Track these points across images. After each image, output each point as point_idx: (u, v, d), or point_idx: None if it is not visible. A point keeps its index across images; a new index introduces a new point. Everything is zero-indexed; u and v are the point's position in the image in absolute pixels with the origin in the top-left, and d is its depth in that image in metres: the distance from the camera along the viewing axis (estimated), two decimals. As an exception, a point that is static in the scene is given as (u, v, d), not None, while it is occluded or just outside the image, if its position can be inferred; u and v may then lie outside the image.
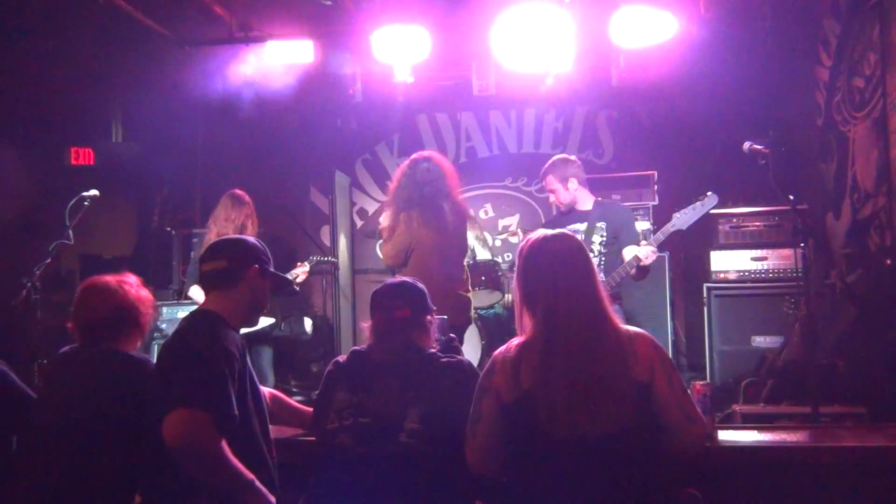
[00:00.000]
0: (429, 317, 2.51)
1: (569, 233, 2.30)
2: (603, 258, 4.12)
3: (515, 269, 2.24)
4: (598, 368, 2.04)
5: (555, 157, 4.36)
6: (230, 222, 4.78)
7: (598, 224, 4.16)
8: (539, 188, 7.08)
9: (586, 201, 4.26)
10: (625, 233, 4.15)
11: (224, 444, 2.04)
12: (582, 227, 4.18)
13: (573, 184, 4.21)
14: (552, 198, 4.33)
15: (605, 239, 4.15)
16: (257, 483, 2.11)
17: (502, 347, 2.19)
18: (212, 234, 4.72)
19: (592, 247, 4.12)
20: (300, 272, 5.09)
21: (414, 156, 4.34)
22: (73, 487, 2.36)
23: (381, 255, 4.56)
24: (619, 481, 2.03)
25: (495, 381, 2.13)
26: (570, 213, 4.28)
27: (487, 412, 2.14)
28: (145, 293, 2.68)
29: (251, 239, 2.48)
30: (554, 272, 2.14)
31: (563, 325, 2.08)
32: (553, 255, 2.16)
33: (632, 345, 2.10)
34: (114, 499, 2.40)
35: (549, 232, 2.26)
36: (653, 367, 2.07)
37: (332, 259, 6.26)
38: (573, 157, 4.37)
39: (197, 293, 4.73)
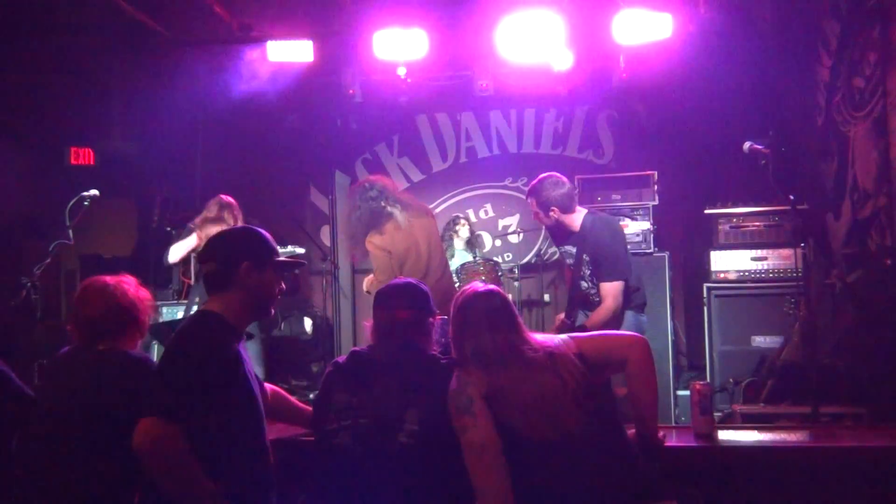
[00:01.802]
0: (431, 318, 2.51)
1: (496, 290, 2.46)
2: (595, 288, 3.90)
3: (450, 318, 2.44)
4: (537, 387, 2.23)
5: (543, 178, 3.96)
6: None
7: (584, 256, 3.92)
8: (539, 188, 7.08)
9: (574, 222, 3.95)
10: (599, 267, 3.84)
11: (188, 456, 2.01)
12: (574, 250, 3.99)
13: (554, 212, 3.90)
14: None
15: (591, 271, 3.91)
16: (220, 498, 2.07)
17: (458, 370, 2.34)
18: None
19: (584, 275, 3.94)
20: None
21: (351, 186, 4.54)
22: (74, 486, 2.36)
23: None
24: (594, 477, 2.13)
25: (468, 377, 2.28)
26: (565, 229, 4.02)
27: (475, 394, 2.22)
28: (144, 293, 2.68)
29: (241, 232, 2.42)
30: (480, 326, 2.34)
31: (495, 363, 2.29)
32: (479, 312, 2.37)
33: (557, 343, 2.35)
34: (113, 497, 2.40)
35: (480, 287, 2.45)
36: (574, 342, 2.37)
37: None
38: (563, 180, 3.95)
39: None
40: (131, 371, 2.47)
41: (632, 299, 3.93)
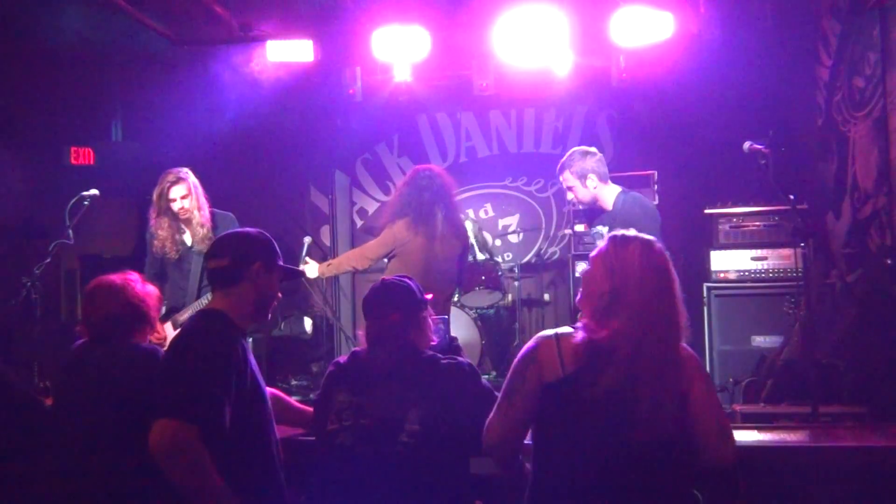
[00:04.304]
0: (422, 312, 2.48)
1: (656, 243, 2.19)
2: None
3: (603, 253, 2.17)
4: (651, 381, 2.04)
5: (573, 150, 3.94)
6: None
7: None
8: (539, 187, 7.08)
9: (609, 197, 3.87)
10: None
11: (205, 457, 2.02)
12: (605, 230, 3.92)
13: (592, 181, 3.82)
14: (570, 195, 3.92)
15: None
16: (233, 500, 2.07)
17: (549, 332, 2.12)
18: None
19: None
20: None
21: (417, 167, 4.39)
22: (100, 480, 2.38)
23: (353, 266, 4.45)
24: (646, 489, 2.04)
25: (540, 356, 2.09)
26: (597, 210, 3.95)
27: (530, 384, 2.08)
28: (150, 288, 2.74)
29: (255, 232, 2.46)
30: (644, 283, 2.09)
31: (640, 339, 2.05)
32: (645, 268, 2.11)
33: (682, 358, 2.13)
34: (137, 489, 2.39)
35: (649, 238, 2.18)
36: (693, 377, 2.11)
37: None
38: (593, 150, 3.92)
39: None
40: (146, 363, 2.48)
41: None
